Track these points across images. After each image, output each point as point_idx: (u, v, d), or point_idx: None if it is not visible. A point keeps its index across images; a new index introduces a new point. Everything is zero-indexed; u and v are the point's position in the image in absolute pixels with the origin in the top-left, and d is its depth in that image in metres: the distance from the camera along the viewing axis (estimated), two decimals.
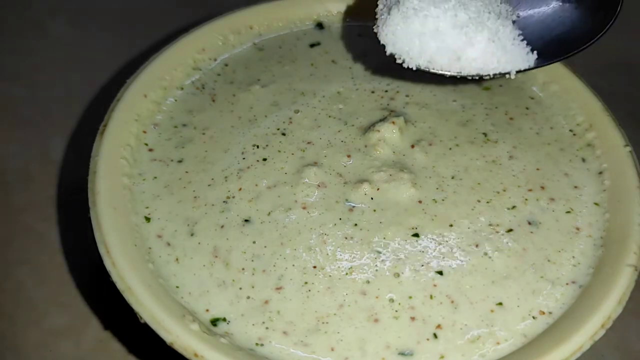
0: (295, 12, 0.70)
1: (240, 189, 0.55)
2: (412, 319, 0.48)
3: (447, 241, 0.52)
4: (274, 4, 0.70)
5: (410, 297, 0.49)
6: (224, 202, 0.54)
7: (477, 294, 0.50)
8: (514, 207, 0.55)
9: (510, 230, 0.53)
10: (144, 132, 0.59)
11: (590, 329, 0.46)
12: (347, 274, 0.50)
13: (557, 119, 0.63)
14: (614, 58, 0.86)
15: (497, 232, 0.53)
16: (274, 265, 0.50)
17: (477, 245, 0.52)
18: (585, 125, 0.61)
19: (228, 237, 0.52)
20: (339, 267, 0.50)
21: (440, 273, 0.50)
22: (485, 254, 0.52)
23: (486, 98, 0.64)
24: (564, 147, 0.60)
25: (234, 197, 0.55)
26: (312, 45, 0.55)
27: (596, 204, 0.56)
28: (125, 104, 0.58)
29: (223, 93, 0.64)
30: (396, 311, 0.49)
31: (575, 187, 0.57)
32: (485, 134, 0.60)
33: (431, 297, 0.49)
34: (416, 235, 0.52)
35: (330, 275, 0.50)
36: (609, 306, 0.47)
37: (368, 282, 0.50)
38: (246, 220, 0.53)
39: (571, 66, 0.64)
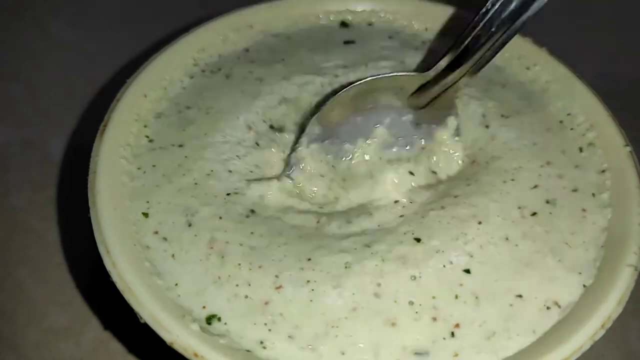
0: (296, 12, 0.70)
1: (247, 181, 0.54)
2: (434, 319, 0.47)
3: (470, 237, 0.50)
4: (274, 4, 0.70)
5: (434, 297, 0.48)
6: (227, 194, 0.53)
7: (500, 287, 0.48)
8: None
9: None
10: (145, 126, 0.59)
11: (590, 329, 0.45)
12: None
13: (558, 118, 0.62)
14: (614, 57, 0.86)
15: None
16: (273, 260, 0.49)
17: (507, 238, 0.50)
18: (586, 125, 0.61)
19: (227, 229, 0.51)
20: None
21: (468, 271, 0.49)
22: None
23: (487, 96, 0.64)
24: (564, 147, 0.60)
25: (237, 190, 0.54)
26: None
27: None
28: (125, 104, 0.58)
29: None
30: (417, 312, 0.47)
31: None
32: None
33: (456, 297, 0.48)
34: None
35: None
36: (609, 306, 0.46)
37: (379, 284, 0.48)
38: (252, 211, 0.53)
39: (571, 66, 0.64)
